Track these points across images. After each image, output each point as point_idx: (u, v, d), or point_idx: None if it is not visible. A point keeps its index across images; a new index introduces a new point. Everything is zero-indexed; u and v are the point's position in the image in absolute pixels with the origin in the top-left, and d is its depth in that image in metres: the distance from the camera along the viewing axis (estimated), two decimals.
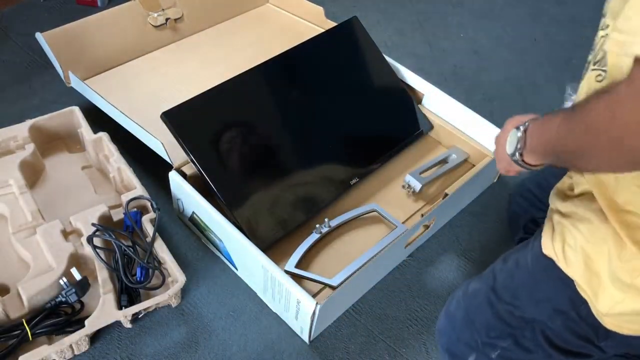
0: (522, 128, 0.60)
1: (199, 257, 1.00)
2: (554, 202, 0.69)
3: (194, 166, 0.92)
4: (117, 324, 0.86)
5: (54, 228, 0.91)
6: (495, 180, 1.16)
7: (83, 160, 1.10)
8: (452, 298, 0.78)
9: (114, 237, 0.89)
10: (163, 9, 1.25)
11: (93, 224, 0.91)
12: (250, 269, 0.91)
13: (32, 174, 1.04)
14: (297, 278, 0.87)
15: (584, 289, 0.61)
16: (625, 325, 0.60)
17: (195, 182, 0.94)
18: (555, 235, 0.65)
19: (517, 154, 0.61)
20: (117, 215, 0.97)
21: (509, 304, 0.69)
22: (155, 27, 1.25)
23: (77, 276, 0.86)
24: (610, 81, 0.54)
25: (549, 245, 0.65)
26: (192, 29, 1.30)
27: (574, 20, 1.66)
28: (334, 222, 0.97)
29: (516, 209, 0.95)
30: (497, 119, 1.08)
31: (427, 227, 1.00)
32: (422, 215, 0.97)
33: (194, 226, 1.01)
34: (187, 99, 0.95)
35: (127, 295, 0.87)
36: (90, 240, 0.88)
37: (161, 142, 0.93)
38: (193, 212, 0.96)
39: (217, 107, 0.98)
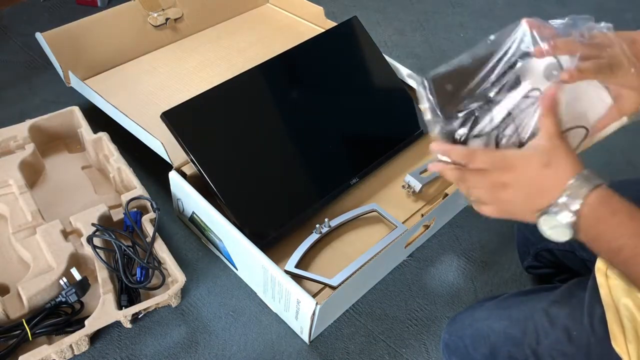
0: (571, 217, 0.49)
1: (199, 257, 1.00)
2: (621, 276, 0.59)
3: (194, 166, 0.92)
4: (117, 324, 0.86)
5: (54, 228, 0.91)
6: None
7: (83, 160, 1.10)
8: (463, 326, 0.72)
9: (114, 237, 0.89)
10: (163, 9, 1.25)
11: (93, 224, 0.91)
12: (250, 269, 0.91)
13: (32, 174, 1.04)
14: (297, 278, 0.87)
15: None
16: None
17: (195, 182, 0.94)
18: (628, 331, 0.56)
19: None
20: (117, 215, 0.97)
21: None
22: (155, 27, 1.25)
23: (77, 276, 0.86)
24: None
25: (621, 342, 0.56)
26: (192, 29, 1.30)
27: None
28: (334, 222, 0.97)
29: (528, 235, 0.89)
30: None
31: (427, 227, 1.00)
32: (422, 215, 0.97)
33: (194, 226, 1.01)
34: (187, 99, 0.96)
35: (127, 295, 0.87)
36: (90, 240, 0.88)
37: (161, 142, 0.93)
38: (193, 212, 0.96)
39: (217, 107, 0.98)
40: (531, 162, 0.52)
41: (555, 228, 0.51)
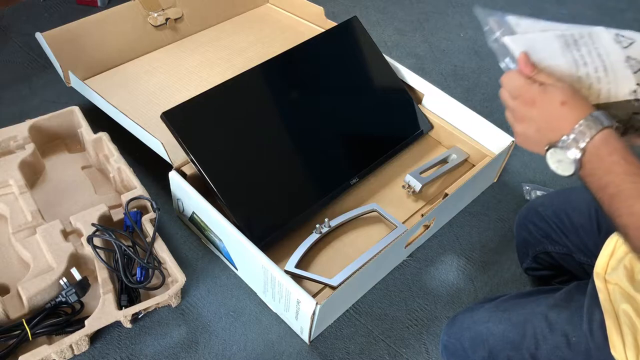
0: (577, 154, 0.52)
1: (199, 257, 1.00)
2: (620, 280, 0.60)
3: (194, 166, 0.92)
4: (117, 324, 0.86)
5: (54, 228, 0.91)
6: (495, 180, 1.16)
7: (83, 160, 1.10)
8: (462, 328, 0.72)
9: (114, 237, 0.89)
10: (163, 9, 1.25)
11: (93, 224, 0.91)
12: (250, 269, 0.91)
13: (32, 174, 1.04)
14: (297, 278, 0.87)
15: None
16: None
17: (195, 182, 0.94)
18: (627, 338, 0.57)
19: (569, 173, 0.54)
20: (117, 215, 0.97)
21: None
22: (155, 27, 1.25)
23: (77, 276, 0.86)
24: None
25: (620, 349, 0.57)
26: (192, 29, 1.30)
27: (574, 20, 1.66)
28: (334, 222, 0.97)
29: (527, 237, 0.89)
30: (497, 119, 1.08)
31: (427, 227, 1.00)
32: (422, 215, 0.97)
33: (194, 226, 1.01)
34: (187, 99, 0.96)
35: (127, 295, 0.87)
36: (90, 240, 0.88)
37: (161, 142, 0.93)
38: (193, 212, 0.96)
39: (217, 107, 0.98)
40: (553, 98, 0.55)
41: (561, 162, 0.54)
